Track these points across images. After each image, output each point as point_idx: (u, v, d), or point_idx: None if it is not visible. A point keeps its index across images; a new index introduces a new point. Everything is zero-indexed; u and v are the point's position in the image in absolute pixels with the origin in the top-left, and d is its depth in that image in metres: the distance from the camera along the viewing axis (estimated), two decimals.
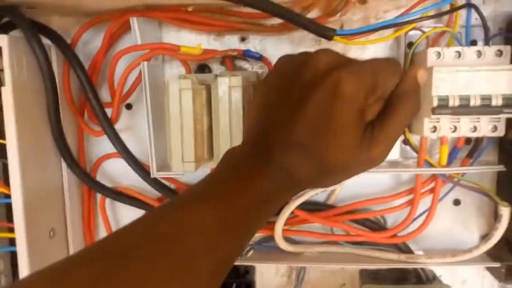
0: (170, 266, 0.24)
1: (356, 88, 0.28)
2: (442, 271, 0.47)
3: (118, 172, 0.48)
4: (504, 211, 0.38)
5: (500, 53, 0.36)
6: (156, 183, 0.44)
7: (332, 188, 0.45)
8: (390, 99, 0.30)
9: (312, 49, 0.35)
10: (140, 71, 0.40)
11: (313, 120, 0.28)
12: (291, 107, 0.29)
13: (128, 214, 0.49)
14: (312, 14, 0.42)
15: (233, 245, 0.27)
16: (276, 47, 0.44)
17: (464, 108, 0.36)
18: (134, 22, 0.40)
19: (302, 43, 0.44)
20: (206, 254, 0.25)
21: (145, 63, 0.41)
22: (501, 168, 0.40)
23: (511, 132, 0.39)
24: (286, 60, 0.32)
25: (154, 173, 0.42)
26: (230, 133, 0.37)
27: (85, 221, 0.47)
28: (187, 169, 0.38)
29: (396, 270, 0.48)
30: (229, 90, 0.37)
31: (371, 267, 0.46)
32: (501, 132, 0.38)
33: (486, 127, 0.38)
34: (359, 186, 0.46)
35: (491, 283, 0.47)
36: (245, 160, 0.30)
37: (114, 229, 0.49)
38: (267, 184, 0.29)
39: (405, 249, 0.45)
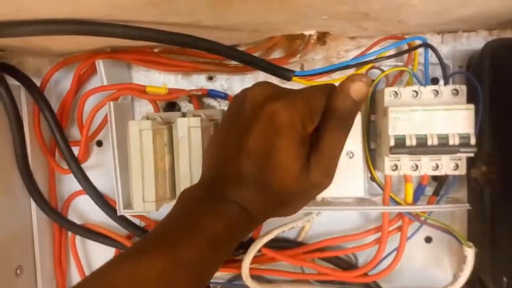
0: None
1: (291, 118, 0.28)
2: None
3: (89, 209, 0.49)
4: (468, 251, 0.37)
5: (456, 92, 0.37)
6: (123, 221, 0.45)
7: (301, 225, 0.45)
8: (322, 120, 0.30)
9: None
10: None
11: (256, 153, 0.29)
12: (237, 142, 0.30)
13: (99, 251, 0.49)
14: (275, 55, 0.43)
15: None
16: (242, 85, 0.45)
17: (422, 147, 0.36)
18: (100, 64, 0.41)
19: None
20: None
21: (111, 103, 0.41)
22: (466, 206, 0.40)
23: (473, 171, 0.39)
24: (234, 98, 0.33)
25: (121, 211, 0.42)
26: (190, 172, 0.38)
27: (56, 259, 0.48)
28: (148, 208, 0.38)
29: None
30: (188, 131, 0.37)
31: None
32: (462, 170, 0.38)
33: (448, 165, 0.38)
34: (329, 223, 0.46)
35: None
36: (198, 201, 0.30)
37: (85, 266, 0.49)
38: (221, 223, 0.29)
39: (375, 287, 0.44)
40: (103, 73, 0.42)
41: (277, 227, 0.44)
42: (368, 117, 0.42)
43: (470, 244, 0.37)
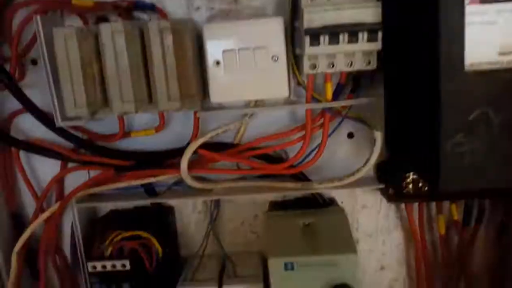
0: None
1: None
2: (343, 198, 0.52)
3: (29, 128, 0.50)
4: (377, 134, 0.42)
5: None
6: (63, 133, 0.47)
7: (233, 127, 0.48)
8: None
9: None
10: None
11: None
12: None
13: (44, 166, 0.52)
14: None
15: None
16: None
17: (334, 36, 0.39)
18: None
19: None
20: None
21: (38, 16, 0.41)
22: (373, 99, 0.44)
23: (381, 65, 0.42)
24: None
25: (59, 122, 0.44)
26: (118, 79, 0.39)
27: (1, 171, 0.50)
28: (81, 113, 0.40)
29: (300, 200, 0.52)
30: (112, 36, 0.38)
31: (273, 194, 0.51)
32: (373, 65, 0.41)
33: (361, 61, 0.41)
34: (261, 126, 0.49)
35: (388, 205, 0.53)
36: None
37: (30, 176, 0.51)
38: None
39: (303, 179, 0.49)
40: None
41: (212, 129, 0.47)
42: (292, 23, 0.44)
43: (378, 128, 0.42)
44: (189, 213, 0.54)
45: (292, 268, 0.41)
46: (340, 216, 0.48)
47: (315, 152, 0.47)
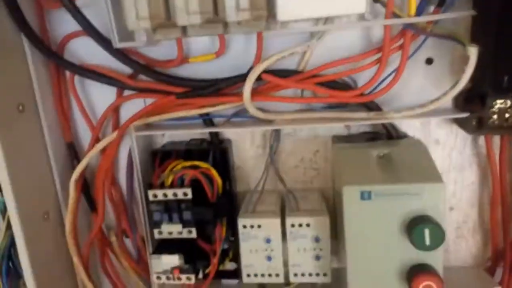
0: None
1: None
2: (414, 132, 0.48)
3: (84, 52, 0.48)
4: (471, 51, 0.37)
5: None
6: (121, 56, 0.44)
7: (300, 50, 0.44)
8: None
9: None
10: None
11: None
12: None
13: (100, 92, 0.49)
14: None
15: None
16: None
17: None
18: None
19: None
20: None
21: None
22: (471, 12, 0.39)
23: None
24: None
25: (117, 43, 0.41)
26: None
27: (56, 99, 0.48)
28: (143, 24, 0.36)
29: (367, 134, 0.48)
30: None
31: (343, 124, 0.47)
32: None
33: None
34: (330, 50, 0.45)
35: (464, 140, 0.48)
36: None
37: (86, 107, 0.50)
38: None
39: (375, 108, 0.45)
40: None
41: (276, 53, 0.43)
42: None
43: (473, 45, 0.37)
44: (247, 148, 0.51)
45: (369, 198, 0.38)
46: (418, 146, 0.44)
47: (389, 78, 0.43)
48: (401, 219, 0.38)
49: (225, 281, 0.51)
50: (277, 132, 0.49)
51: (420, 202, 0.37)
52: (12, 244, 0.49)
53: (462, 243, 0.52)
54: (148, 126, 0.49)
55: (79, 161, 0.49)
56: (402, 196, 0.37)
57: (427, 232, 0.36)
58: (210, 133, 0.49)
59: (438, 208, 0.37)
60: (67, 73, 0.48)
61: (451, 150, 0.49)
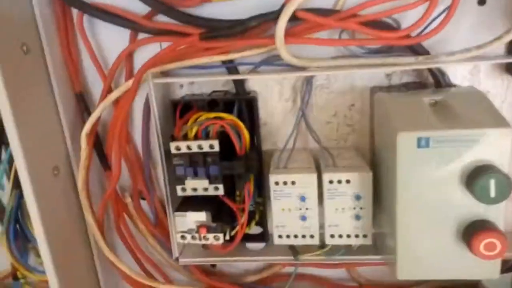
0: None
1: None
2: (462, 82, 0.43)
3: None
4: None
5: None
6: None
7: None
8: None
9: None
10: None
11: None
12: None
13: (111, 34, 0.44)
14: None
15: None
16: None
17: None
18: None
19: None
20: None
21: None
22: None
23: None
24: None
25: None
26: None
27: (63, 42, 0.43)
28: None
29: (411, 84, 0.44)
30: None
31: (389, 69, 0.43)
32: None
33: None
34: None
35: None
36: None
37: (96, 50, 0.44)
38: None
39: (423, 52, 0.40)
40: None
41: None
42: None
43: None
44: (275, 102, 0.46)
45: (427, 145, 0.33)
46: (475, 93, 0.39)
47: (439, 19, 0.38)
48: (462, 169, 0.33)
49: (250, 245, 0.47)
50: (309, 83, 0.44)
51: (485, 150, 0.33)
52: (19, 206, 0.45)
53: None
54: (165, 75, 0.44)
55: (89, 114, 0.44)
56: (464, 143, 0.33)
57: (492, 183, 0.32)
58: (235, 84, 0.44)
59: (504, 156, 0.33)
60: (75, 12, 0.43)
61: (502, 103, 0.44)
